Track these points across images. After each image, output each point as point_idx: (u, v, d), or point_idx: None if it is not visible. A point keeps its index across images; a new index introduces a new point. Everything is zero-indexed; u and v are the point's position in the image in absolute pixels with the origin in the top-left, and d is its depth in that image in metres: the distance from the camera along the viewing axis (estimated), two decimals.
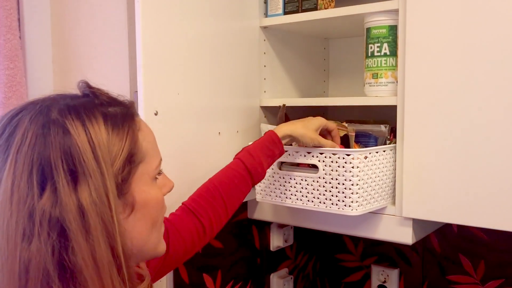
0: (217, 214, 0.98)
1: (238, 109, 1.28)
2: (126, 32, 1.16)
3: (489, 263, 1.41)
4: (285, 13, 1.32)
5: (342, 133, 1.17)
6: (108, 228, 0.59)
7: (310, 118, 1.13)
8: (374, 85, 1.19)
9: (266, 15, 1.36)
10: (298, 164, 1.17)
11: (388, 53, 1.16)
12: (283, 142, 1.08)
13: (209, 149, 1.19)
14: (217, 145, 1.21)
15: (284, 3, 1.32)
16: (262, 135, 1.24)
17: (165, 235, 0.89)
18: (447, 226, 1.46)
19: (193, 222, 0.96)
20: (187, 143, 1.13)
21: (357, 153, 1.06)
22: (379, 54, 1.17)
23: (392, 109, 1.13)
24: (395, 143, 1.13)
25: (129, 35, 1.15)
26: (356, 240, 1.67)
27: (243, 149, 1.06)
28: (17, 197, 0.56)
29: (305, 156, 1.13)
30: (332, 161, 1.09)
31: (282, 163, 1.18)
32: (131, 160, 0.64)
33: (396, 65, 1.15)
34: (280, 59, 1.43)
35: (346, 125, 1.17)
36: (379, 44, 1.17)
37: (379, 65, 1.18)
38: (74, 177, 0.57)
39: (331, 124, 1.14)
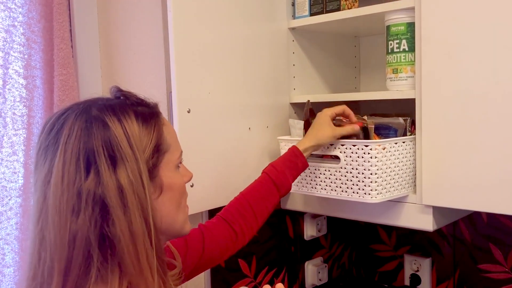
0: (248, 222, 1.09)
1: (267, 106, 1.37)
2: (162, 39, 1.28)
3: None
4: (311, 14, 1.40)
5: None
6: (143, 204, 0.69)
7: (317, 117, 1.20)
8: (394, 80, 1.25)
9: (293, 17, 1.44)
10: (322, 156, 1.25)
11: (406, 49, 1.22)
12: (307, 154, 1.17)
13: (240, 144, 1.29)
14: (247, 139, 1.31)
15: (310, 5, 1.40)
16: (291, 130, 1.33)
17: (200, 237, 1.02)
18: (477, 216, 1.49)
19: (226, 228, 1.07)
20: (219, 138, 1.23)
21: (374, 144, 1.13)
22: (398, 50, 1.23)
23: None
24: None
25: (164, 41, 1.27)
26: (389, 230, 1.73)
27: (269, 164, 1.16)
28: (67, 179, 0.67)
29: (328, 148, 1.21)
30: (352, 152, 1.16)
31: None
32: (159, 149, 0.75)
33: (415, 60, 1.21)
34: (309, 58, 1.51)
35: (366, 117, 1.24)
36: (398, 41, 1.23)
37: (398, 60, 1.23)
38: (114, 161, 0.68)
39: (338, 109, 1.20)
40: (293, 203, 1.45)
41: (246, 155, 1.31)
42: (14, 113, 1.25)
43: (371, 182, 1.14)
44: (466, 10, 1.07)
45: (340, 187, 1.20)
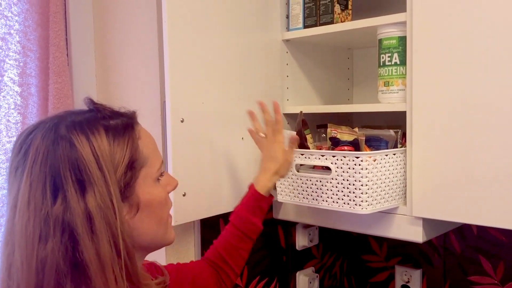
0: (225, 273, 1.09)
1: (261, 116, 1.38)
2: (157, 48, 1.29)
3: (508, 264, 1.44)
4: (305, 26, 1.42)
5: (351, 138, 1.25)
6: (112, 229, 0.66)
7: (270, 147, 1.17)
8: (386, 92, 1.27)
9: (287, 29, 1.46)
10: (313, 167, 1.26)
11: (398, 63, 1.24)
12: (269, 191, 1.15)
13: (233, 154, 1.30)
14: (240, 149, 1.32)
15: (304, 18, 1.42)
16: (285, 141, 1.34)
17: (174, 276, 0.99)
18: (467, 228, 1.51)
19: (209, 271, 1.08)
20: (212, 148, 1.24)
21: (365, 156, 1.15)
22: (390, 63, 1.25)
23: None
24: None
25: (159, 51, 1.28)
26: (380, 241, 1.74)
27: (233, 211, 1.14)
28: (33, 204, 0.65)
29: (319, 159, 1.22)
30: (343, 163, 1.17)
31: (300, 165, 1.27)
32: (133, 166, 0.72)
33: (406, 74, 1.22)
34: (303, 70, 1.53)
35: (357, 129, 1.25)
36: (390, 54, 1.25)
37: (390, 73, 1.25)
38: (82, 185, 0.65)
39: (279, 137, 1.18)
40: (285, 213, 1.46)
41: (239, 164, 1.32)
42: (8, 120, 1.25)
43: (362, 193, 1.15)
44: (457, 25, 1.09)
45: (331, 198, 1.21)
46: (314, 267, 1.73)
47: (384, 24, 1.25)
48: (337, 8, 1.37)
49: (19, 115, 1.27)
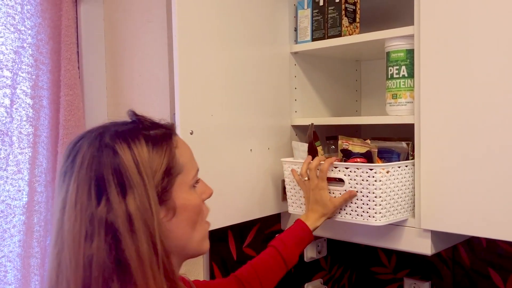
0: None
1: (269, 128, 1.39)
2: (167, 61, 1.31)
3: None
4: (313, 39, 1.43)
5: (364, 150, 1.25)
6: (150, 229, 0.72)
7: (314, 190, 1.22)
8: (394, 105, 1.27)
9: (296, 41, 1.48)
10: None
11: (406, 75, 1.25)
12: (314, 229, 1.21)
13: (241, 165, 1.31)
14: (249, 161, 1.33)
15: (312, 31, 1.43)
16: (294, 152, 1.35)
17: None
18: (476, 240, 1.50)
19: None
20: (221, 159, 1.25)
21: (379, 168, 1.15)
22: (398, 76, 1.26)
23: None
24: None
25: (169, 64, 1.30)
26: (389, 253, 1.73)
27: (276, 237, 1.19)
28: (80, 205, 0.71)
29: (332, 170, 1.23)
30: (356, 175, 1.18)
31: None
32: (170, 173, 0.77)
33: (414, 86, 1.23)
34: (311, 82, 1.54)
35: (369, 141, 1.26)
36: (397, 67, 1.25)
37: (398, 86, 1.26)
38: (123, 188, 0.71)
39: (324, 171, 1.21)
40: None
41: (247, 176, 1.33)
42: (20, 132, 1.27)
43: (375, 205, 1.16)
44: (465, 39, 1.10)
45: (344, 209, 1.22)
46: (322, 279, 1.72)
47: (392, 37, 1.26)
48: (345, 21, 1.38)
49: (31, 127, 1.29)
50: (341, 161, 1.27)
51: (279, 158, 1.41)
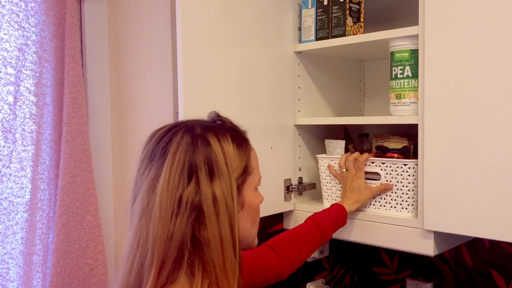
0: (293, 257, 1.16)
1: (272, 127, 1.39)
2: (170, 60, 1.30)
3: None
4: (317, 39, 1.43)
5: (400, 146, 1.32)
6: (231, 215, 0.79)
7: (355, 183, 1.30)
8: (397, 105, 1.27)
9: (300, 41, 1.47)
10: None
11: (410, 75, 1.24)
12: (349, 212, 1.28)
13: None
14: None
15: (316, 30, 1.43)
16: (328, 149, 1.40)
17: (248, 265, 1.08)
18: (479, 241, 1.49)
19: (274, 259, 1.14)
20: None
21: (413, 163, 1.22)
22: (402, 76, 1.25)
23: None
24: None
25: (172, 62, 1.30)
26: (391, 253, 1.73)
27: (314, 214, 1.25)
28: (172, 185, 0.77)
29: (369, 165, 1.30)
30: (392, 170, 1.26)
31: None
32: (246, 171, 0.86)
33: (418, 87, 1.22)
34: (314, 81, 1.53)
35: (405, 139, 1.33)
36: (401, 67, 1.25)
37: (402, 86, 1.25)
38: (212, 175, 0.79)
39: (362, 162, 1.30)
40: (296, 223, 1.46)
41: None
42: (23, 129, 1.27)
43: (408, 197, 1.24)
44: (469, 39, 1.09)
45: (379, 202, 1.30)
46: (324, 278, 1.72)
47: (397, 37, 1.25)
48: (349, 20, 1.37)
49: (34, 124, 1.29)
50: (376, 156, 1.34)
51: (282, 157, 1.40)
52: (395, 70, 1.27)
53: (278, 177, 1.41)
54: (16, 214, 1.26)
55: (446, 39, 1.13)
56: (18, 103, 1.27)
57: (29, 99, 1.29)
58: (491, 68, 1.06)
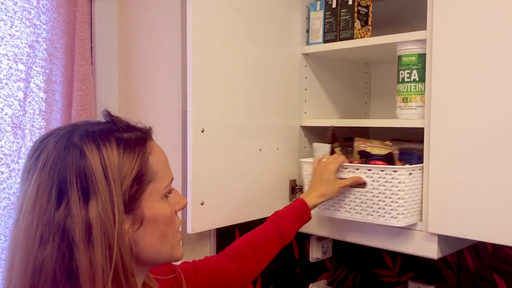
0: (250, 262, 1.11)
1: (279, 128, 1.40)
2: (180, 59, 1.32)
3: None
4: (325, 41, 1.44)
5: (385, 151, 1.27)
6: (109, 240, 0.66)
7: (322, 172, 1.24)
8: (404, 108, 1.28)
9: (307, 43, 1.48)
10: None
11: (417, 79, 1.25)
12: (313, 207, 1.22)
13: (250, 164, 1.32)
14: (257, 160, 1.33)
15: (324, 33, 1.44)
16: (315, 153, 1.36)
17: (189, 276, 1.00)
18: (482, 245, 1.50)
19: (229, 266, 1.08)
20: (230, 158, 1.26)
21: (403, 170, 1.17)
22: (409, 80, 1.26)
23: None
24: None
25: (182, 62, 1.31)
26: (394, 255, 1.74)
27: (275, 213, 1.18)
28: (38, 207, 0.65)
29: (353, 172, 1.24)
30: (380, 177, 1.20)
31: None
32: (141, 180, 0.71)
33: (425, 91, 1.23)
34: (321, 83, 1.54)
35: (391, 143, 1.27)
36: (409, 71, 1.26)
37: (409, 90, 1.26)
38: (86, 194, 0.65)
39: (339, 160, 1.25)
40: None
41: (256, 175, 1.33)
42: (32, 125, 1.29)
43: (398, 206, 1.18)
44: (477, 44, 1.10)
45: (366, 211, 1.24)
46: (327, 279, 1.73)
47: (404, 41, 1.26)
48: (357, 24, 1.38)
49: (43, 120, 1.30)
50: (360, 162, 1.28)
51: (288, 158, 1.42)
52: (402, 73, 1.28)
53: (283, 177, 1.42)
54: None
55: (454, 44, 1.14)
56: (28, 100, 1.28)
57: (39, 96, 1.30)
58: (499, 73, 1.07)
